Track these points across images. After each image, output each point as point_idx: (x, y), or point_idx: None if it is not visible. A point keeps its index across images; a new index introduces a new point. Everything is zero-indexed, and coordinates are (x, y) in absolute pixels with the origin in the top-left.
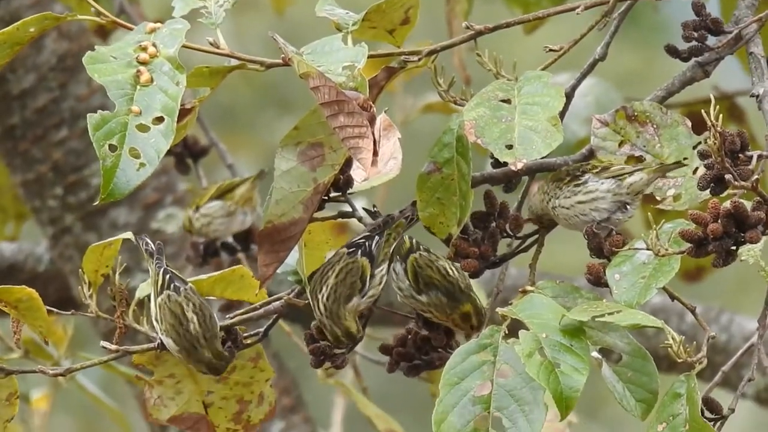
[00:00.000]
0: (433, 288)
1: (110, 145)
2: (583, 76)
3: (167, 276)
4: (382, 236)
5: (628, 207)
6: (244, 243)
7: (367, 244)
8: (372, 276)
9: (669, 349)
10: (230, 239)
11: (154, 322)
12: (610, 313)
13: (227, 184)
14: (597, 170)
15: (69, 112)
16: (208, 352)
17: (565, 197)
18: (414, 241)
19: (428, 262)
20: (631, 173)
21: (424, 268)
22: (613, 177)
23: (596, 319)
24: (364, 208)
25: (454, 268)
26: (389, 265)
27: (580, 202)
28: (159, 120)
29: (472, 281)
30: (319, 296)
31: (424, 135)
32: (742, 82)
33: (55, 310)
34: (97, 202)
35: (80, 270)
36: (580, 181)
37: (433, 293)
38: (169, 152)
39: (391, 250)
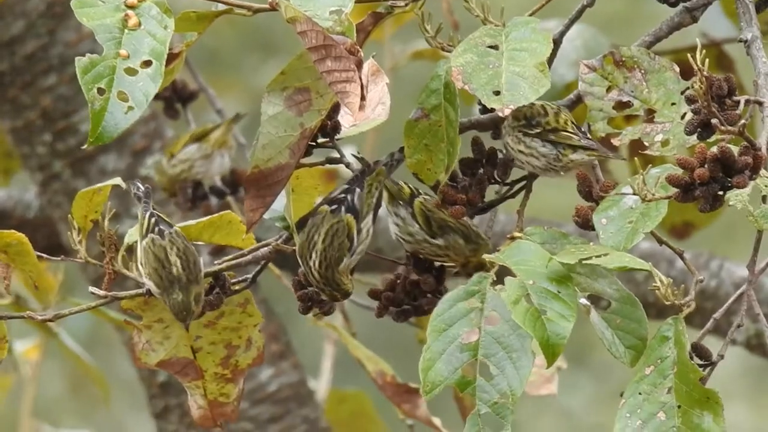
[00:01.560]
0: (449, 231)
1: (98, 89)
2: (572, 22)
3: (153, 219)
4: (363, 187)
5: (559, 173)
6: (232, 186)
7: (348, 198)
8: (359, 231)
9: (657, 292)
10: (218, 182)
11: (140, 266)
12: (597, 256)
13: (201, 129)
14: (548, 128)
15: (58, 58)
16: (181, 297)
17: (512, 139)
18: (413, 186)
19: (433, 206)
20: (575, 149)
21: (434, 211)
22: (557, 142)
23: (583, 262)
24: (353, 155)
25: None
26: (375, 214)
27: (520, 151)
28: (147, 64)
29: None
30: (310, 263)
31: (413, 82)
32: (731, 30)
33: (44, 256)
34: (85, 146)
35: (69, 216)
36: (526, 133)
37: (451, 236)
38: (157, 97)
39: (374, 200)
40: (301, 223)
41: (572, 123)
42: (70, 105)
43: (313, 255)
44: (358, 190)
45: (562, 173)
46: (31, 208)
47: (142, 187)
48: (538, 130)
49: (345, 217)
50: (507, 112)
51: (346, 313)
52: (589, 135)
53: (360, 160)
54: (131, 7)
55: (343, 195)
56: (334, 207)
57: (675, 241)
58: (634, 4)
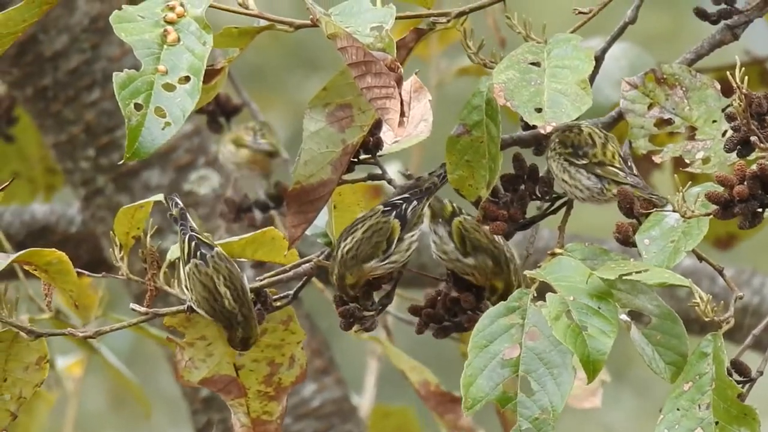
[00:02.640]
0: (481, 251)
1: (136, 104)
2: (613, 39)
3: (193, 243)
4: (422, 201)
5: (601, 203)
6: (277, 200)
7: (403, 206)
8: (400, 240)
9: (696, 308)
10: (262, 196)
11: (185, 289)
12: (637, 272)
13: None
14: (595, 161)
15: (101, 73)
16: (242, 334)
17: (557, 166)
18: (455, 205)
19: (474, 227)
20: (618, 184)
21: (470, 231)
22: (597, 175)
23: (623, 278)
24: (399, 172)
25: (499, 237)
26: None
27: (564, 180)
28: (185, 79)
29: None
30: (342, 244)
31: (460, 99)
32: None
33: (86, 273)
34: (122, 161)
35: (111, 232)
36: (572, 162)
37: (481, 257)
38: (201, 111)
39: (423, 216)
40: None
41: (619, 156)
42: (113, 120)
43: (348, 239)
44: (415, 202)
45: (603, 204)
46: (74, 223)
47: (179, 207)
48: (584, 162)
49: (392, 221)
50: (549, 129)
51: (389, 327)
52: (635, 170)
53: (409, 176)
54: (170, 22)
55: (400, 201)
56: (387, 209)
57: (719, 253)
58: (677, 21)
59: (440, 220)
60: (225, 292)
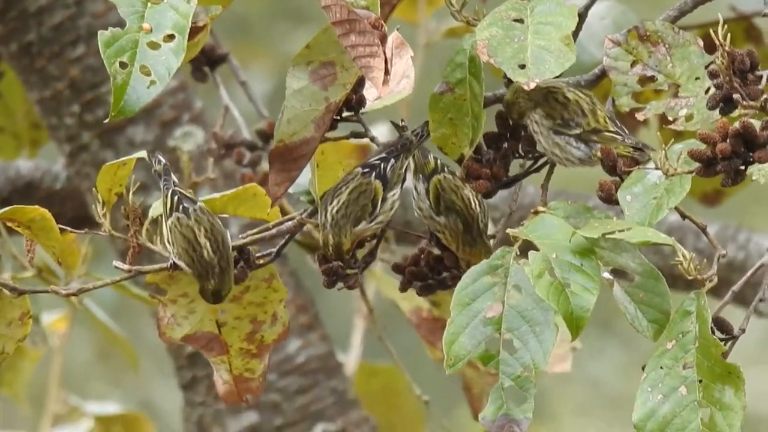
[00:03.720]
0: (453, 212)
1: (121, 62)
2: None
3: (176, 197)
4: (398, 159)
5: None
6: (265, 138)
7: (382, 166)
8: (384, 200)
9: (679, 266)
10: (249, 136)
11: (167, 244)
12: (620, 231)
13: None
14: (588, 129)
15: (86, 29)
16: (214, 286)
17: (544, 138)
18: (439, 162)
19: (453, 187)
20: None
21: (447, 191)
22: (594, 142)
23: (606, 237)
24: (392, 122)
25: (477, 203)
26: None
27: (553, 153)
28: (170, 38)
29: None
30: (329, 207)
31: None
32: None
33: (68, 229)
34: (107, 120)
35: (94, 189)
36: (563, 132)
37: (452, 217)
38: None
39: (403, 172)
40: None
41: (610, 119)
42: (98, 76)
43: (335, 201)
44: (393, 161)
45: (593, 166)
46: (59, 179)
47: (162, 163)
48: (577, 131)
49: (374, 183)
50: (532, 85)
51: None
52: (626, 131)
53: (404, 127)
54: None
55: (377, 161)
56: (366, 170)
57: (706, 209)
58: None
59: (421, 175)
60: (205, 243)
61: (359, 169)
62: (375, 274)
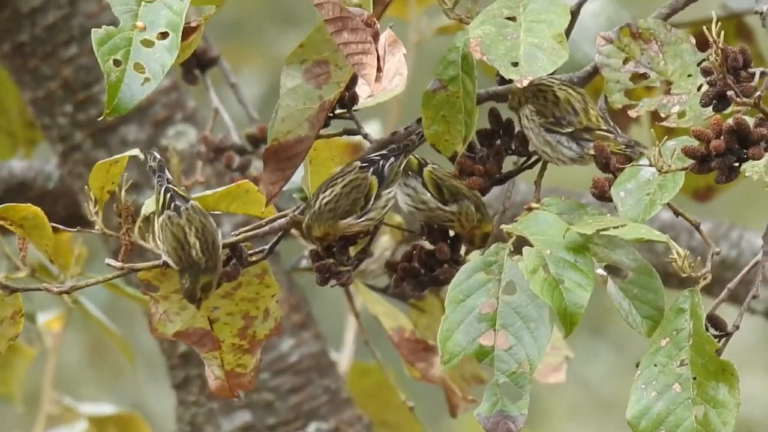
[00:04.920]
0: (462, 197)
1: (115, 60)
2: None
3: (168, 194)
4: (399, 158)
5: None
6: (255, 143)
7: (381, 162)
8: (377, 197)
9: (673, 263)
10: (239, 139)
11: (158, 241)
12: (614, 227)
13: None
14: (580, 127)
15: (79, 29)
16: (188, 284)
17: (535, 135)
18: (420, 157)
19: (447, 174)
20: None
21: (445, 179)
22: (586, 140)
23: (600, 233)
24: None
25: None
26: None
27: (544, 151)
28: (163, 35)
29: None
30: (321, 196)
31: (439, 58)
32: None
33: (61, 227)
34: (102, 117)
35: (86, 187)
36: (554, 131)
37: (464, 203)
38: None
39: (401, 172)
40: None
41: (602, 118)
42: (90, 76)
43: (327, 191)
44: (392, 159)
45: (585, 165)
46: (52, 178)
47: (157, 160)
48: (569, 130)
49: (370, 178)
50: (525, 83)
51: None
52: (618, 129)
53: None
54: None
55: (377, 157)
56: (364, 165)
57: (698, 205)
58: None
59: (410, 173)
60: (194, 243)
61: (358, 163)
62: (359, 288)
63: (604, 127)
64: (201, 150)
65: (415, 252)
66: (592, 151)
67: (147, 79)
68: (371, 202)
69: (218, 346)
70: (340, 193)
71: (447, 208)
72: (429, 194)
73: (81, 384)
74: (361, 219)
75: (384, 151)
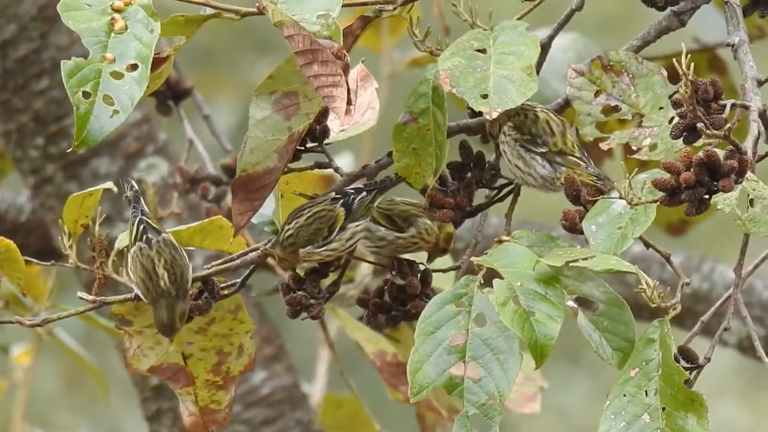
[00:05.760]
0: (413, 217)
1: (84, 92)
2: (560, 26)
3: (141, 227)
4: (372, 194)
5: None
6: (230, 173)
7: (352, 196)
8: (343, 229)
9: (643, 294)
10: (213, 170)
11: (130, 273)
12: (584, 259)
13: None
14: (555, 150)
15: (50, 61)
16: (166, 315)
17: (510, 150)
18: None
19: (390, 202)
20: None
21: (392, 208)
22: (558, 164)
23: (570, 265)
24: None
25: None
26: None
27: (517, 166)
28: (133, 67)
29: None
30: (286, 228)
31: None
32: (724, 34)
33: (34, 261)
34: (70, 149)
35: (60, 221)
36: (529, 149)
37: (419, 221)
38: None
39: (373, 208)
40: None
41: (577, 145)
42: (62, 108)
43: (292, 223)
44: (364, 193)
45: (554, 191)
46: (24, 211)
47: (133, 190)
48: (543, 150)
49: (337, 209)
50: (494, 115)
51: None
52: (591, 161)
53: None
54: (118, 10)
55: (351, 191)
56: (337, 197)
57: (672, 239)
58: (627, 5)
59: (357, 217)
60: (162, 274)
61: (332, 194)
62: (338, 314)
63: (578, 155)
64: (176, 181)
65: (386, 287)
66: (562, 179)
67: (116, 111)
68: (335, 233)
69: (192, 382)
70: (303, 222)
71: (406, 235)
72: (383, 228)
73: (56, 412)
74: (322, 248)
75: (360, 186)
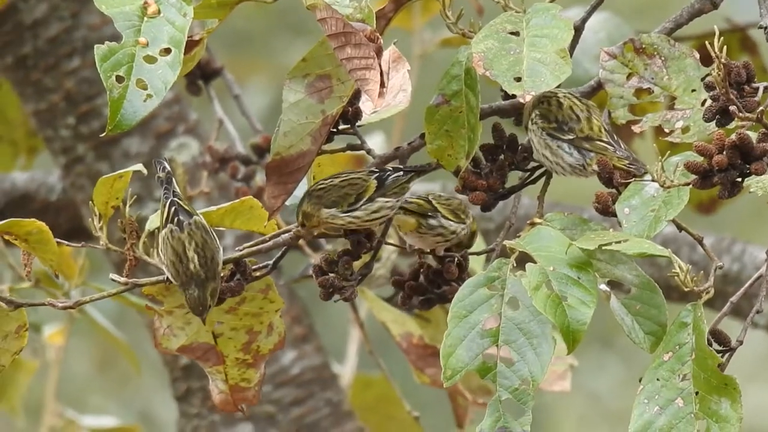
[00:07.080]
0: (466, 209)
1: (117, 77)
2: (593, 8)
3: (173, 208)
4: (408, 175)
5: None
6: (259, 153)
7: (388, 172)
8: (371, 200)
9: (676, 278)
10: (243, 150)
11: (160, 254)
12: (617, 242)
13: None
14: (581, 136)
15: (81, 41)
16: (197, 293)
17: (538, 141)
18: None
19: (447, 199)
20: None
21: (451, 202)
22: (586, 150)
23: (603, 248)
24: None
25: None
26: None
27: (545, 156)
28: (166, 51)
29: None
30: (321, 181)
31: (443, 70)
32: (754, 13)
33: (65, 242)
34: (104, 134)
35: (90, 202)
36: (556, 137)
37: (470, 212)
38: None
39: (407, 189)
40: None
41: (604, 129)
42: (93, 88)
43: (328, 180)
44: (401, 173)
45: (585, 177)
46: (54, 190)
47: (165, 171)
48: (570, 137)
49: (370, 181)
50: (528, 98)
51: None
52: (621, 143)
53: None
54: None
55: (389, 168)
56: (374, 170)
57: (701, 219)
58: None
59: (428, 214)
60: (193, 257)
61: (371, 168)
62: (367, 296)
63: (605, 140)
64: (206, 160)
65: (422, 269)
66: (594, 164)
67: (149, 96)
68: (362, 201)
69: (222, 361)
70: (336, 184)
71: (465, 225)
72: (453, 223)
73: (88, 393)
74: (345, 214)
75: (399, 166)
